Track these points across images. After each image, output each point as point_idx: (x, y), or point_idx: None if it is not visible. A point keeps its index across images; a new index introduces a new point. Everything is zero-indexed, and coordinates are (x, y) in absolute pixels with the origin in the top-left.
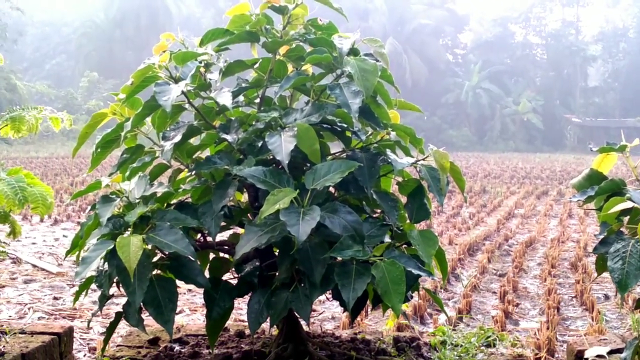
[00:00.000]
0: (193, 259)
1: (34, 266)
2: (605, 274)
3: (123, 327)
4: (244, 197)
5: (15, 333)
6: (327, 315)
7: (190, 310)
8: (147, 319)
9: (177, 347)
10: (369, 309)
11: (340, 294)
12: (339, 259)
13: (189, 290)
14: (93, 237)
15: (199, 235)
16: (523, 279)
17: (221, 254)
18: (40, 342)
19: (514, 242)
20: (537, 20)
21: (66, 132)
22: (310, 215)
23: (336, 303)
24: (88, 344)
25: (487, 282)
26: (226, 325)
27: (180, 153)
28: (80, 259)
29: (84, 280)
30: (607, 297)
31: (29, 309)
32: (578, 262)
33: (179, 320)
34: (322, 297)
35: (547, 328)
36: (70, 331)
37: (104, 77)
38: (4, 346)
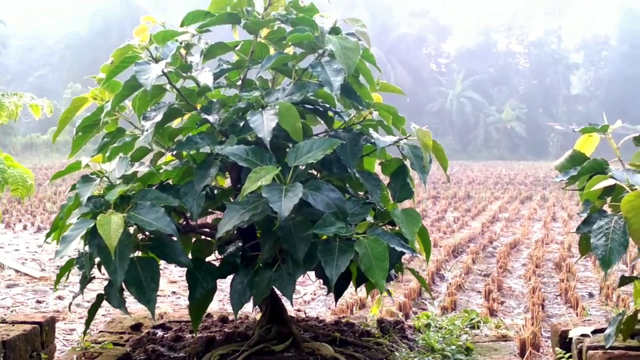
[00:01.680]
0: (175, 237)
1: (17, 271)
2: (590, 275)
3: (106, 315)
4: (227, 183)
5: None
6: (311, 314)
7: (175, 311)
8: (130, 304)
9: (159, 332)
10: (354, 309)
11: (324, 272)
12: (322, 237)
13: (173, 292)
14: (73, 217)
15: (182, 220)
16: (507, 278)
17: (204, 238)
18: (21, 331)
19: (499, 244)
20: (520, 29)
21: (49, 143)
22: (293, 191)
23: (322, 302)
24: (71, 344)
25: (472, 282)
26: (209, 311)
27: (161, 136)
28: (60, 238)
29: (65, 258)
30: (591, 295)
31: (11, 312)
32: (562, 262)
33: (162, 308)
34: (307, 298)
35: (532, 324)
36: (52, 321)
37: (87, 89)
38: None
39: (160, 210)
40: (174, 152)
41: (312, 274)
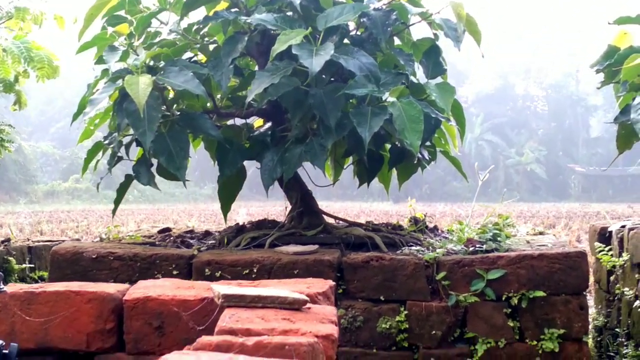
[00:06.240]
0: (204, 95)
1: None
2: None
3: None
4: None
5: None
6: None
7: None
8: None
9: (188, 235)
10: None
11: (356, 141)
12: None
13: None
14: (100, 84)
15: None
16: None
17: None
18: (47, 242)
19: None
20: (538, 72)
21: (70, 191)
22: (324, 50)
23: None
24: None
25: None
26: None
27: (187, 31)
28: (87, 101)
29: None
30: None
31: None
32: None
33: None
34: None
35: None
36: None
37: None
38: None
39: (189, 74)
40: (202, 25)
41: None
